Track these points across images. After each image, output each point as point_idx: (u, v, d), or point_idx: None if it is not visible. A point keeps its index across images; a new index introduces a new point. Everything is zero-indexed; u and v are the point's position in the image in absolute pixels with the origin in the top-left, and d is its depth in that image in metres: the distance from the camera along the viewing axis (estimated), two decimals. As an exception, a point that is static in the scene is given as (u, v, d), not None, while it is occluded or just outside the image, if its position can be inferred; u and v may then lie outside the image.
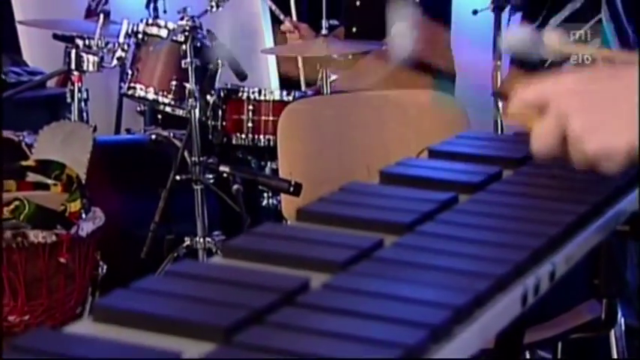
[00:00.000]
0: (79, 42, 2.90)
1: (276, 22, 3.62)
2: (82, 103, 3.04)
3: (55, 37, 3.20)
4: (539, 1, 2.92)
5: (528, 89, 0.93)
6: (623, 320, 1.96)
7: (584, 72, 0.93)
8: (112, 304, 0.76)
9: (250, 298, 0.75)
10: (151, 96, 2.89)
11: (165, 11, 3.66)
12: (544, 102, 0.91)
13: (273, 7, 3.31)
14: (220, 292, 0.78)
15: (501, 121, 2.89)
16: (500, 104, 2.84)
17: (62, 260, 2.24)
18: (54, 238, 2.23)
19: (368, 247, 0.87)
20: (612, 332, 1.93)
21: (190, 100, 2.74)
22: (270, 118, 2.86)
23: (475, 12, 3.16)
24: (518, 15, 3.05)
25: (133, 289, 0.78)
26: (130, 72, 2.89)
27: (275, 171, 2.79)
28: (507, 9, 3.00)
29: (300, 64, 3.58)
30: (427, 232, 0.92)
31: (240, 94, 2.88)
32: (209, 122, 2.87)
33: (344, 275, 0.82)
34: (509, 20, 3.06)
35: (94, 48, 2.86)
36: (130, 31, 2.86)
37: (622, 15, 2.18)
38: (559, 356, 1.99)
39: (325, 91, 2.84)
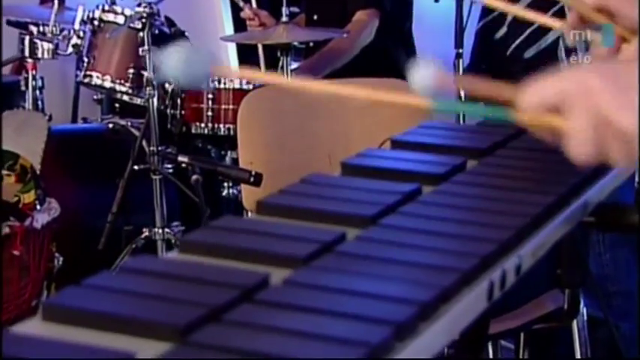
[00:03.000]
0: (33, 29, 2.83)
1: (236, 9, 3.58)
2: (37, 91, 2.98)
3: (9, 23, 3.13)
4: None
5: (544, 86, 0.85)
6: (585, 310, 1.96)
7: (600, 64, 0.89)
8: (62, 302, 0.72)
9: (207, 296, 0.72)
10: (107, 84, 2.84)
11: (122, -3, 3.60)
12: (564, 99, 0.83)
13: (233, -6, 3.27)
14: (176, 290, 0.75)
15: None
16: (462, 93, 2.82)
17: (16, 253, 2.19)
18: (7, 230, 2.18)
19: (330, 241, 0.84)
20: (575, 322, 1.93)
21: (148, 88, 2.69)
22: (230, 106, 2.82)
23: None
24: (480, 2, 3.04)
25: (84, 287, 0.75)
26: (86, 60, 2.83)
27: (235, 160, 2.75)
28: (469, -3, 2.99)
29: (260, 52, 3.54)
30: (391, 225, 0.90)
31: (199, 83, 2.84)
32: (168, 111, 2.83)
33: (305, 270, 0.79)
34: (470, 7, 3.05)
35: (49, 35, 2.80)
36: (85, 17, 2.80)
37: None
38: (522, 346, 1.98)
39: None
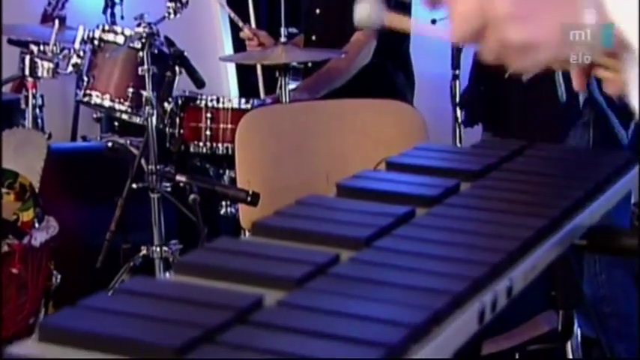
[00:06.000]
0: (34, 48, 2.85)
1: (235, 29, 3.61)
2: (37, 110, 3.00)
3: (10, 42, 3.15)
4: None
5: None
6: (579, 331, 1.96)
7: None
8: (59, 323, 0.73)
9: (202, 317, 0.73)
10: (107, 103, 2.86)
11: (122, 17, 3.62)
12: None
13: (232, 15, 3.29)
14: (171, 311, 0.76)
15: (460, 130, 2.90)
16: (459, 113, 2.84)
17: (14, 271, 2.19)
18: (6, 248, 2.19)
19: (324, 263, 0.85)
20: (569, 343, 1.93)
21: (147, 107, 2.71)
22: (229, 126, 2.84)
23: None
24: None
25: (80, 308, 0.76)
26: (85, 79, 2.85)
27: (234, 179, 2.76)
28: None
29: (259, 72, 3.56)
30: (384, 248, 0.91)
31: (198, 102, 2.86)
32: (167, 130, 2.84)
33: (299, 292, 0.80)
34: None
35: (49, 54, 2.82)
36: (85, 37, 2.82)
37: None
38: (516, 367, 1.99)
39: (284, 100, 2.83)
